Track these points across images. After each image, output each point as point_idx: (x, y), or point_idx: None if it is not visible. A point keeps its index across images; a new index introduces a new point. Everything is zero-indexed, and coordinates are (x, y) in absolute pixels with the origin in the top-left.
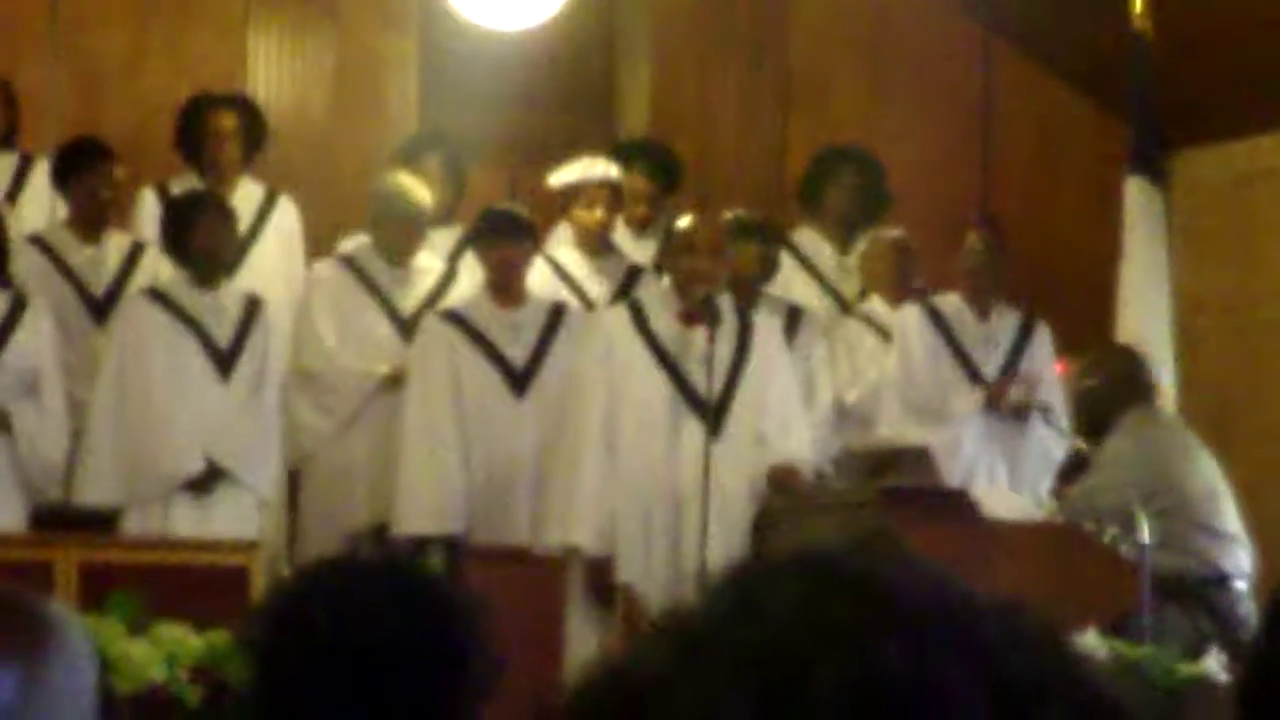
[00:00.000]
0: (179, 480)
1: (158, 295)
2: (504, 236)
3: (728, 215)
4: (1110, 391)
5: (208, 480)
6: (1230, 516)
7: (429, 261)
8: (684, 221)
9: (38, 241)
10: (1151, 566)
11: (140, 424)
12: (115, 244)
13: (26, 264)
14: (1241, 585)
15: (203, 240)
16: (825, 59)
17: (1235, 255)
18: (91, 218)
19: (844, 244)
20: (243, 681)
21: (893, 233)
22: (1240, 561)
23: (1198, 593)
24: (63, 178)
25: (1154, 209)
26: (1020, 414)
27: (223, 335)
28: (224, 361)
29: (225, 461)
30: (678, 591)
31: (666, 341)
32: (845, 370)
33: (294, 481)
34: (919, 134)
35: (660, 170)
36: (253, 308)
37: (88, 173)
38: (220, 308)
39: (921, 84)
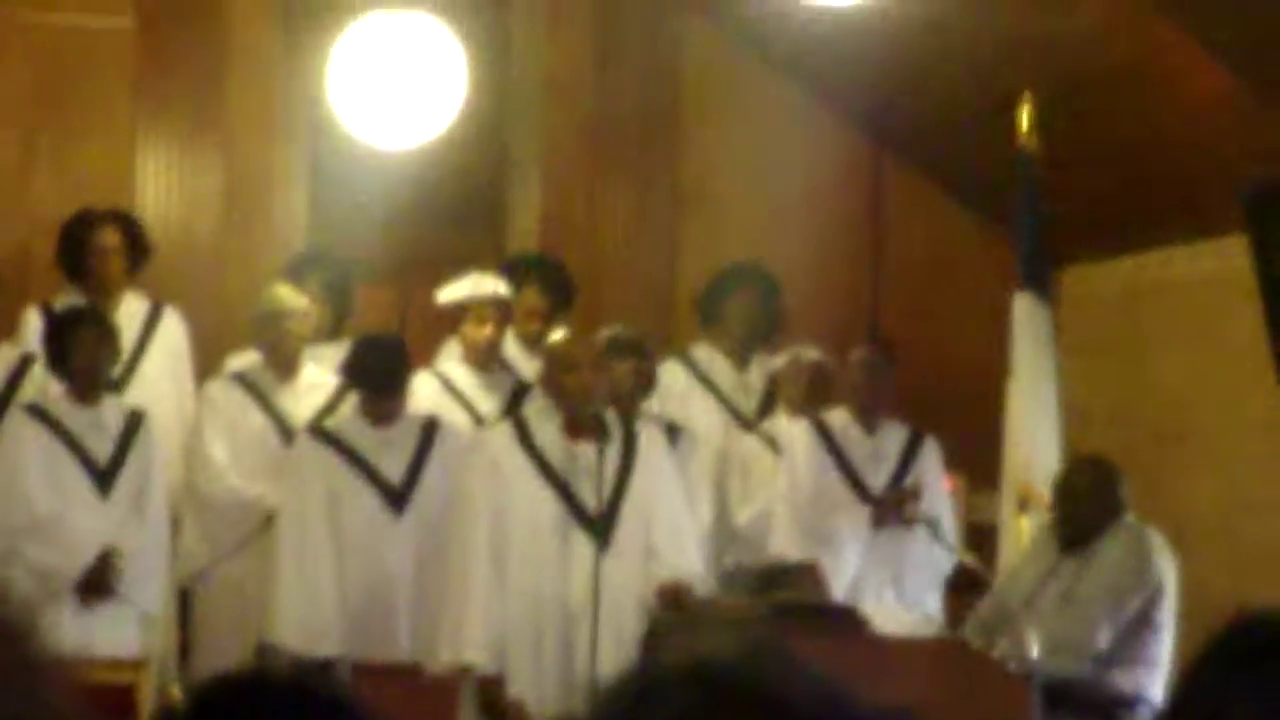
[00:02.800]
0: (74, 577)
1: (36, 411)
2: (377, 391)
3: (604, 333)
4: (1092, 506)
5: (101, 573)
6: (1166, 641)
7: (318, 376)
8: (559, 339)
9: None
10: (1099, 682)
11: (26, 536)
12: (3, 358)
13: None
14: (1147, 712)
15: (82, 357)
16: (717, 174)
17: (1123, 369)
18: None
19: (741, 360)
20: None
21: (813, 354)
22: (1157, 687)
23: (1103, 709)
24: None
25: (1042, 324)
26: (907, 523)
27: (102, 452)
28: (103, 478)
29: (115, 565)
30: (569, 705)
31: (552, 457)
32: (737, 489)
33: (184, 598)
34: (810, 248)
35: (554, 286)
36: (134, 423)
37: None
38: (101, 424)
39: (812, 199)
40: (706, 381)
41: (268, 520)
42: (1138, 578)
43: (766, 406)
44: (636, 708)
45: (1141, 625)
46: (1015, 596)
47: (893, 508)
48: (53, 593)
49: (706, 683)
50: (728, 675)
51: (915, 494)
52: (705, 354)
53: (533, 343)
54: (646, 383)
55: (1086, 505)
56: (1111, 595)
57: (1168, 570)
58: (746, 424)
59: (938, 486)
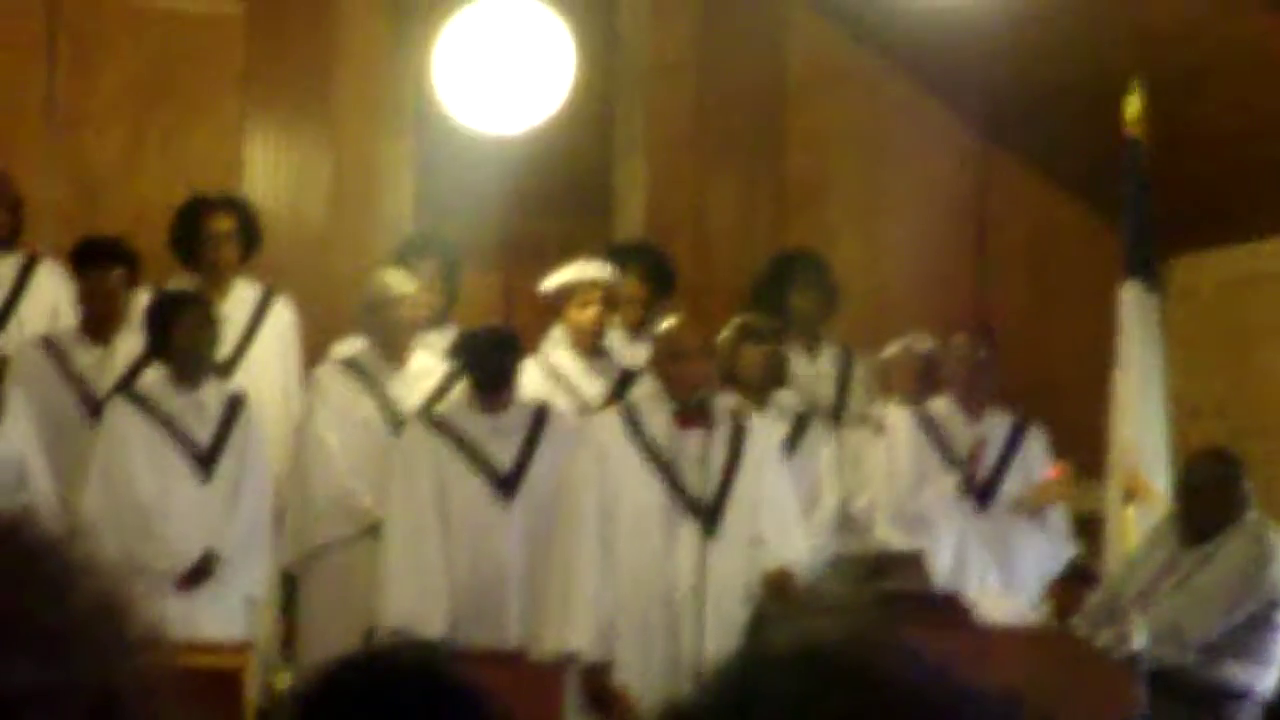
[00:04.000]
0: (175, 574)
1: (135, 396)
2: (488, 384)
3: (737, 319)
4: (1216, 500)
5: (203, 570)
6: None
7: (427, 362)
8: (668, 326)
9: (46, 343)
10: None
11: (130, 524)
12: (126, 346)
13: (30, 365)
14: (1255, 705)
15: (183, 340)
16: (822, 164)
17: (1230, 360)
18: (99, 318)
19: (812, 348)
20: None
21: (923, 344)
22: (1268, 683)
23: (1211, 699)
24: (76, 278)
25: (1149, 314)
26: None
27: (203, 435)
28: (204, 461)
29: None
30: (674, 693)
31: (660, 444)
32: (850, 477)
33: (289, 583)
34: (915, 239)
35: (655, 274)
36: (234, 406)
37: (96, 274)
38: (201, 407)
39: (917, 190)
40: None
41: (372, 529)
42: (1257, 580)
43: (841, 393)
44: (743, 689)
45: (1259, 622)
46: (1129, 588)
47: (1036, 502)
48: (152, 586)
49: (815, 665)
50: (837, 657)
51: (1063, 493)
52: None
53: (634, 330)
54: (778, 371)
55: (1210, 500)
56: (1227, 591)
57: None
58: (823, 412)
59: (1043, 475)
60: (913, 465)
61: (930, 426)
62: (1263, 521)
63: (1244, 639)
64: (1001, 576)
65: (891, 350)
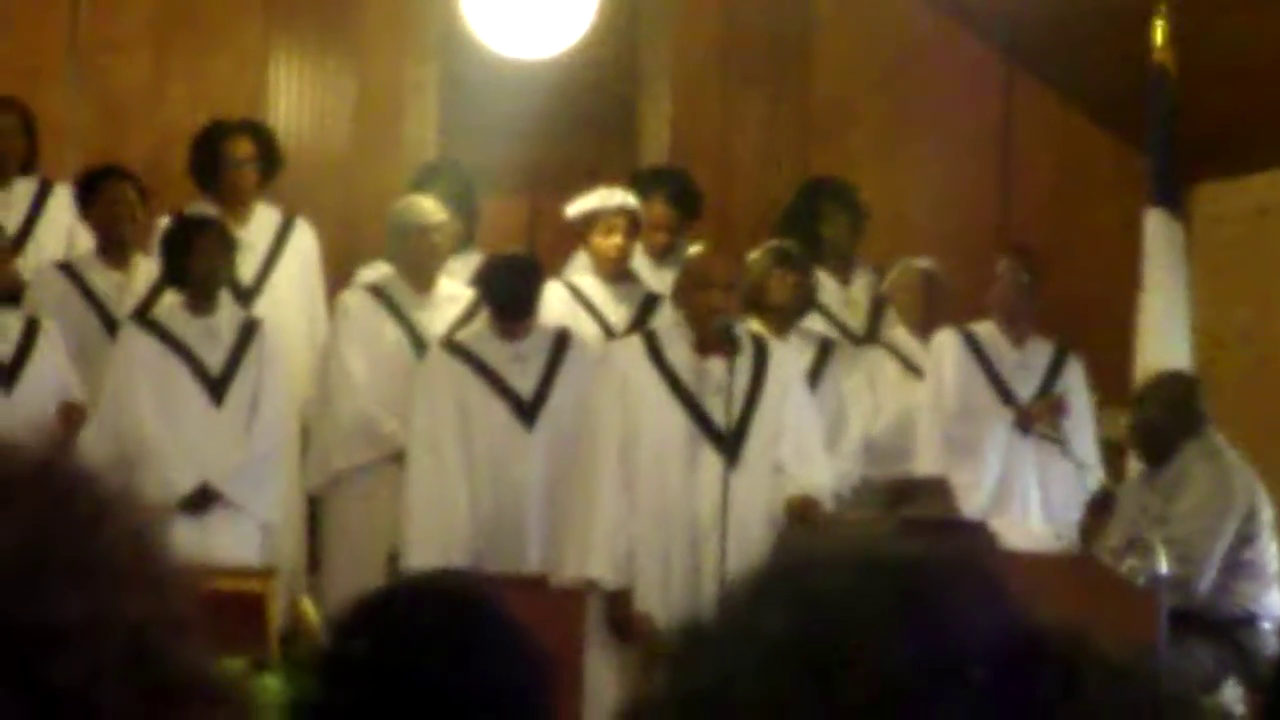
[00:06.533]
0: (170, 502)
1: (147, 321)
2: (509, 311)
3: (768, 244)
4: (1170, 420)
5: (200, 501)
6: (1273, 553)
7: (453, 289)
8: (696, 255)
9: (65, 267)
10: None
11: (132, 450)
12: (144, 270)
13: (50, 289)
14: (1268, 625)
15: (199, 265)
16: (846, 89)
17: (1255, 288)
18: (114, 241)
19: (844, 276)
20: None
21: (924, 263)
22: (1272, 602)
23: (1223, 629)
24: (84, 204)
25: (1174, 242)
26: (1043, 437)
27: (215, 361)
28: (216, 387)
29: (220, 486)
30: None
31: (682, 372)
32: (868, 401)
33: (314, 507)
34: (939, 164)
35: (680, 198)
36: (248, 331)
37: (106, 196)
38: (214, 332)
39: (942, 115)
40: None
41: (396, 456)
42: (1227, 496)
43: (873, 320)
44: (788, 583)
45: (1246, 538)
46: (1124, 517)
47: (1038, 416)
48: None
49: (866, 565)
50: (886, 556)
51: (1059, 407)
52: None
53: (660, 255)
54: (806, 299)
55: (1166, 418)
56: (1206, 516)
57: (1252, 486)
58: (856, 339)
59: (1081, 403)
60: (959, 389)
61: (976, 349)
62: (1214, 437)
63: (1235, 566)
64: (1044, 500)
65: (892, 274)
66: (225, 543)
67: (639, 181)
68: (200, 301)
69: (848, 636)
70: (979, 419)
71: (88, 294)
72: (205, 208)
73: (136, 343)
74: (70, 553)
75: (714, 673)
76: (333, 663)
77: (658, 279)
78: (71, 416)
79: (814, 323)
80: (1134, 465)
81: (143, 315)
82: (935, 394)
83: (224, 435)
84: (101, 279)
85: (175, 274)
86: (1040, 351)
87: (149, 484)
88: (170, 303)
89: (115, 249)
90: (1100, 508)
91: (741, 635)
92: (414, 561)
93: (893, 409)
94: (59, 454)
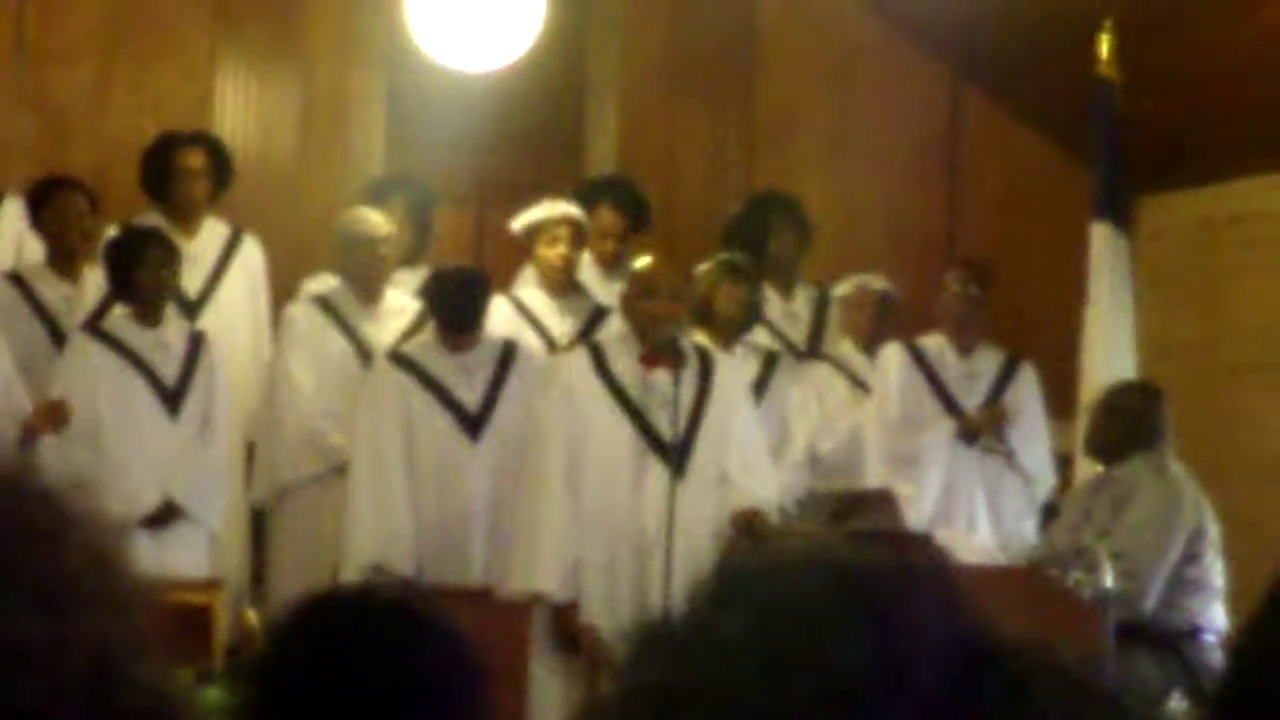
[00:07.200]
0: (135, 518)
1: (99, 332)
2: (455, 325)
3: (717, 257)
4: (1127, 428)
5: (163, 517)
6: (1218, 569)
7: (400, 301)
8: (643, 265)
9: (13, 277)
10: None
11: (89, 463)
12: (93, 281)
13: None
14: (1212, 639)
15: (146, 276)
16: (792, 101)
17: (1200, 300)
18: (64, 252)
19: (785, 290)
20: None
21: (878, 284)
22: (1216, 616)
23: (1168, 642)
24: (35, 214)
25: (1119, 254)
26: (985, 450)
27: (169, 373)
28: (172, 399)
29: (180, 500)
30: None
31: (628, 384)
32: (815, 415)
33: (259, 520)
34: (886, 176)
35: (627, 206)
36: (197, 344)
37: (56, 207)
38: (165, 345)
39: (889, 129)
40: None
41: (342, 467)
42: (1174, 514)
43: (815, 334)
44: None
45: (1188, 561)
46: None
47: (981, 426)
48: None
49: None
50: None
51: (1000, 415)
52: None
53: (608, 265)
54: (753, 313)
55: (1124, 423)
56: (1150, 548)
57: (1200, 503)
58: (798, 353)
59: (1033, 412)
60: (903, 401)
61: (921, 361)
62: (1167, 453)
63: (1184, 574)
64: (992, 513)
65: (843, 289)
66: (177, 555)
67: (584, 191)
68: (149, 313)
69: (802, 638)
70: (922, 430)
71: (35, 304)
72: (154, 219)
73: (89, 352)
74: (32, 572)
75: (670, 669)
76: (269, 667)
77: (607, 290)
78: (53, 416)
79: (758, 336)
80: (1082, 473)
81: (94, 326)
82: (880, 406)
83: (180, 448)
84: (50, 289)
85: (122, 286)
86: (989, 360)
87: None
88: (119, 314)
89: (64, 259)
90: (1051, 519)
91: (699, 634)
92: (353, 572)
93: (844, 425)
94: (21, 471)
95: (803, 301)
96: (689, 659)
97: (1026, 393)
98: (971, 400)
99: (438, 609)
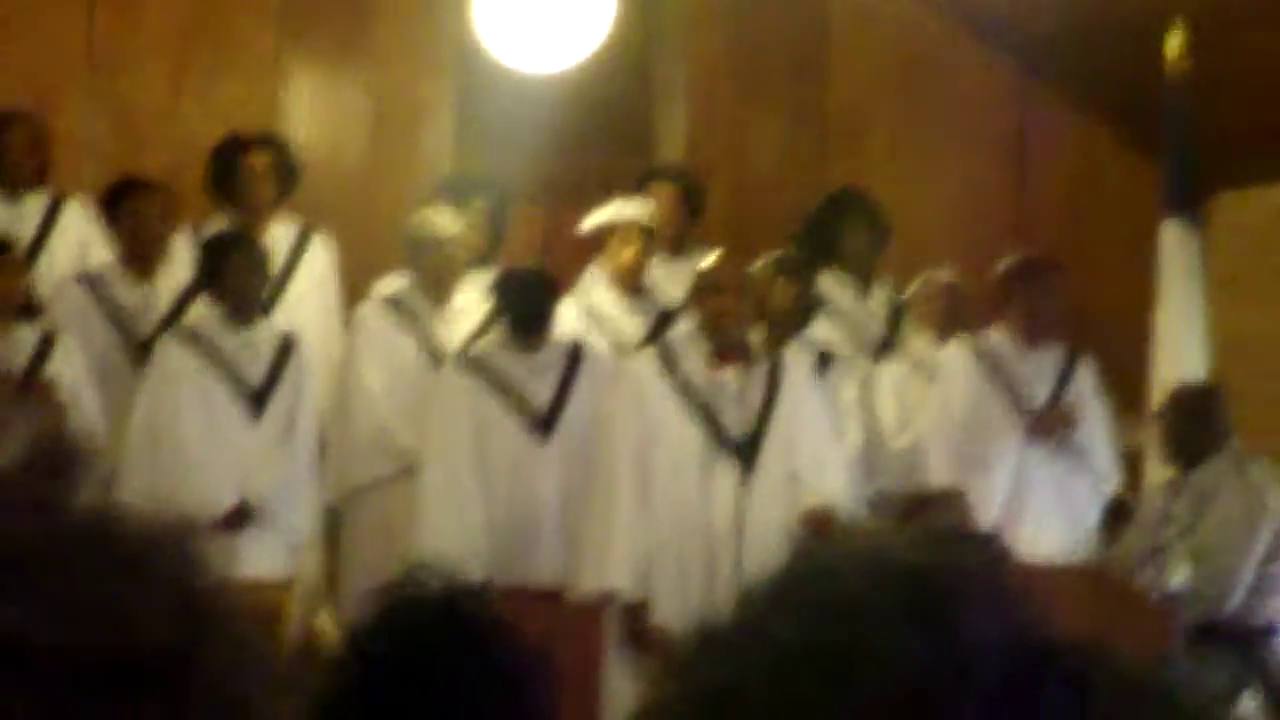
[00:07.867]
0: (209, 519)
1: (188, 335)
2: (523, 327)
3: (773, 254)
4: (1194, 431)
5: (239, 518)
6: None
7: (470, 302)
8: (709, 262)
9: (84, 280)
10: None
11: (171, 465)
12: (169, 283)
13: (69, 303)
14: None
15: (236, 279)
16: (862, 102)
17: (1273, 298)
18: (139, 253)
19: (863, 287)
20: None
21: (946, 275)
22: None
23: (1241, 640)
24: (110, 217)
25: (1190, 252)
26: (1056, 446)
27: (254, 375)
28: (255, 401)
29: (259, 502)
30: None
31: (696, 384)
32: (892, 413)
33: (333, 520)
34: (953, 175)
35: (687, 192)
36: (286, 347)
37: (132, 208)
38: (253, 347)
39: (956, 125)
40: (832, 309)
41: (412, 468)
42: (1259, 515)
43: (892, 331)
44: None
45: (1270, 559)
46: (1145, 526)
47: (1049, 425)
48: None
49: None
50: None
51: (1068, 419)
52: (827, 283)
53: (671, 250)
54: (808, 309)
55: (1192, 428)
56: (1235, 548)
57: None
58: (875, 351)
59: (1095, 409)
60: (968, 400)
61: (987, 359)
62: (1240, 452)
63: (1265, 571)
64: (1061, 511)
65: (915, 285)
66: (255, 556)
67: (646, 179)
68: (239, 315)
69: (859, 641)
70: (990, 430)
71: (109, 308)
72: (222, 223)
73: (176, 355)
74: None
75: (725, 674)
76: (346, 666)
77: (671, 278)
78: (46, 396)
79: (831, 332)
80: (1153, 473)
81: (179, 327)
82: (945, 406)
83: (261, 450)
84: (126, 292)
85: (211, 290)
86: (1051, 356)
87: (191, 498)
88: (206, 315)
89: (139, 260)
90: (1116, 516)
91: (754, 638)
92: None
93: (918, 423)
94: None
95: (879, 299)
96: (740, 662)
97: (1087, 390)
98: (1037, 398)
99: (501, 614)
